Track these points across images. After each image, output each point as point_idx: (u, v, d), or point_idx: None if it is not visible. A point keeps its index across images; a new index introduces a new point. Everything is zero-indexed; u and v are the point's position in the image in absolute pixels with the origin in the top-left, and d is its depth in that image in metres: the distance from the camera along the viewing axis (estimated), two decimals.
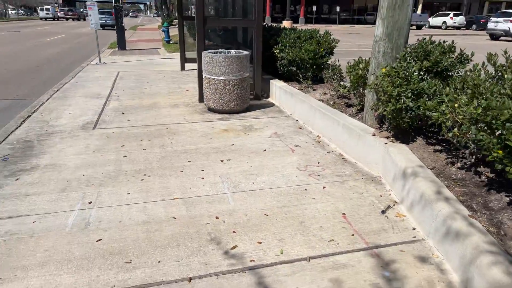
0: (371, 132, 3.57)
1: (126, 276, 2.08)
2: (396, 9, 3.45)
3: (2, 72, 9.32)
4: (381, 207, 2.82)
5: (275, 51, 6.04)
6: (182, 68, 9.27)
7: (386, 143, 3.28)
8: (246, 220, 2.65)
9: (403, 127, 3.33)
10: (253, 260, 2.22)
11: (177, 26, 10.48)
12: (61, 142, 4.17)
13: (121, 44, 13.86)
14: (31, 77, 8.86)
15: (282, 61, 5.98)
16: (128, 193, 3.02)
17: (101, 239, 2.40)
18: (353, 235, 2.47)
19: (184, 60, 9.18)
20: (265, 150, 3.96)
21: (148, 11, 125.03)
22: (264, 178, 3.30)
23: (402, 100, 3.16)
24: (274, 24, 7.85)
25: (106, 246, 2.34)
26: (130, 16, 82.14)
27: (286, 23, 23.73)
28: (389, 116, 3.28)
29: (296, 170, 3.46)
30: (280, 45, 6.00)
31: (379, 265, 2.18)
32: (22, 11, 73.51)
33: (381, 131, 3.57)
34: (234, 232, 2.50)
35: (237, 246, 2.35)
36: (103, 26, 27.92)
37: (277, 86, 5.92)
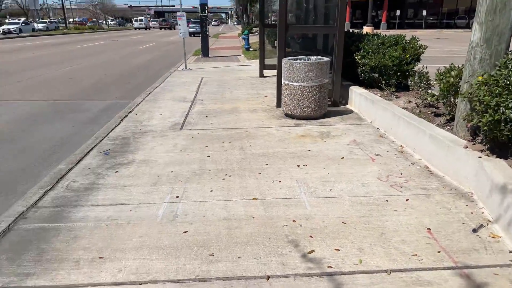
0: (462, 144, 3.31)
1: (209, 267, 2.22)
2: (496, 13, 3.18)
3: (104, 77, 10.51)
4: (472, 225, 2.61)
5: (356, 58, 5.92)
6: (261, 75, 9.52)
7: (480, 157, 3.02)
8: (323, 226, 2.64)
9: (501, 140, 3.03)
10: (331, 267, 2.21)
11: (256, 33, 10.81)
12: (153, 141, 4.57)
13: (205, 51, 14.70)
14: (127, 81, 9.84)
15: (363, 68, 5.83)
16: (211, 191, 3.21)
17: (187, 231, 2.59)
18: (439, 252, 2.32)
19: (263, 66, 9.43)
20: (343, 158, 3.90)
21: (229, 20, 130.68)
22: (342, 186, 3.25)
23: (501, 111, 2.88)
24: (356, 30, 7.69)
25: (192, 238, 2.52)
26: (213, 25, 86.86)
27: (367, 29, 22.99)
28: (485, 128, 3.01)
29: (376, 180, 3.35)
30: (362, 51, 5.86)
31: (469, 287, 2.02)
32: (115, 22, 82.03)
33: (474, 144, 3.30)
34: (311, 237, 2.52)
35: (314, 251, 2.36)
36: (193, 34, 30.17)
37: (357, 93, 5.79)
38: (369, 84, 5.97)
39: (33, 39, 30.16)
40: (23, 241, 2.50)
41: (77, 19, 75.21)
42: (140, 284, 2.08)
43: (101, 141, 4.57)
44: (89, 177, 3.51)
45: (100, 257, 2.32)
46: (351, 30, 7.45)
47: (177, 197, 3.11)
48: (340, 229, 2.59)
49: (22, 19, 47.22)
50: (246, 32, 18.38)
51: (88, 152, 4.19)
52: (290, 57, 5.52)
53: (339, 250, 2.36)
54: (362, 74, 5.94)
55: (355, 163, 3.75)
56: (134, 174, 3.59)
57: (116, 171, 3.65)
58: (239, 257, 2.30)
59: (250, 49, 17.17)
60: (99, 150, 4.25)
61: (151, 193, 3.19)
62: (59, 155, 4.44)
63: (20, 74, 10.88)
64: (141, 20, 58.00)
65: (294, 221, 2.71)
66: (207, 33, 14.67)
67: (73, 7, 76.72)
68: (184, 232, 2.58)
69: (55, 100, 7.53)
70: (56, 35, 37.34)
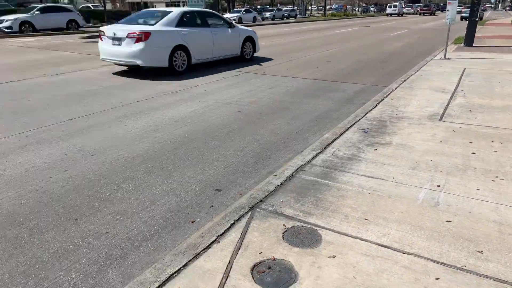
0: None
1: (477, 263, 2.13)
2: None
3: (357, 61, 11.04)
4: None
5: None
6: None
7: None
8: None
9: None
10: None
11: None
12: (409, 127, 4.57)
13: (468, 40, 13.02)
14: (380, 67, 10.00)
15: None
16: (478, 189, 2.98)
17: (450, 221, 2.54)
18: None
19: None
20: None
21: (500, 4, 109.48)
22: None
23: None
24: None
25: (456, 229, 2.46)
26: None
27: None
28: None
29: None
30: None
31: None
32: (362, 8, 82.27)
33: None
34: None
35: None
36: (464, 18, 28.23)
37: None
38: None
39: (292, 25, 34.55)
40: (303, 187, 3.11)
41: (333, 7, 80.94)
42: (404, 253, 2.23)
43: (359, 120, 4.94)
44: (351, 149, 3.91)
45: (365, 219, 2.61)
46: None
47: (438, 186, 3.05)
48: None
49: (284, 7, 54.63)
50: None
51: (349, 128, 4.63)
52: None
53: None
54: None
55: None
56: (392, 155, 3.73)
57: (375, 149, 3.89)
58: None
59: None
60: (358, 128, 4.61)
61: (409, 175, 3.26)
62: (321, 126, 5.10)
63: (289, 54, 12.84)
64: (395, 6, 56.40)
65: None
66: (476, 19, 12.86)
67: None
68: (447, 221, 2.55)
69: (316, 79, 8.54)
70: (316, 21, 41.41)
